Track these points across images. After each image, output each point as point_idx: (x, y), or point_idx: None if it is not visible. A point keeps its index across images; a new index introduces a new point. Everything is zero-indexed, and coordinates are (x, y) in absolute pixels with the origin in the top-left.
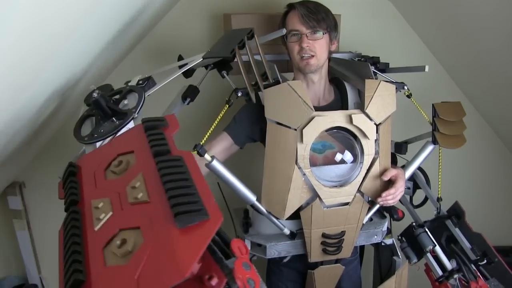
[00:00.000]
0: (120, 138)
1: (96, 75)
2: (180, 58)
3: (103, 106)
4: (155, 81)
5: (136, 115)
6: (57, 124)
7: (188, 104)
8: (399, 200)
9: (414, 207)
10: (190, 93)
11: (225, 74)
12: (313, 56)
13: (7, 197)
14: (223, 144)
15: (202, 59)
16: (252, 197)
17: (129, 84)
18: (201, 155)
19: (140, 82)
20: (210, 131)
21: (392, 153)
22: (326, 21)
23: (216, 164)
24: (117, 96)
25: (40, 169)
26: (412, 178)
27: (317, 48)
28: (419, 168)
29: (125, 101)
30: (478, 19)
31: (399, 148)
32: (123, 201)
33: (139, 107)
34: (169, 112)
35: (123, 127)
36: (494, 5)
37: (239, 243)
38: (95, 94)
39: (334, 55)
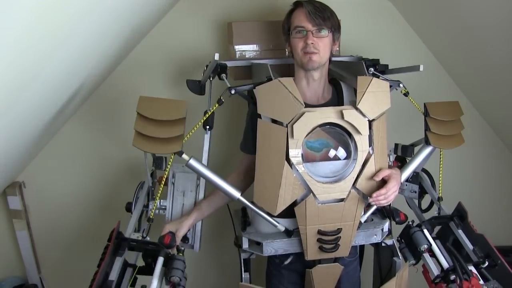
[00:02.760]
0: None
1: (96, 75)
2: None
3: None
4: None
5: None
6: (57, 125)
7: (209, 131)
8: (408, 205)
9: (422, 212)
10: (208, 121)
11: (224, 78)
12: (316, 53)
13: (7, 197)
14: (246, 163)
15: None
16: (235, 193)
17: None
18: (179, 155)
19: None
20: (195, 128)
21: (401, 157)
22: (331, 21)
23: (193, 163)
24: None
25: (40, 169)
26: (419, 182)
27: (321, 46)
28: (424, 170)
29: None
30: (478, 19)
31: (406, 150)
32: None
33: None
34: (206, 149)
35: None
36: (494, 4)
37: None
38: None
39: (335, 59)
